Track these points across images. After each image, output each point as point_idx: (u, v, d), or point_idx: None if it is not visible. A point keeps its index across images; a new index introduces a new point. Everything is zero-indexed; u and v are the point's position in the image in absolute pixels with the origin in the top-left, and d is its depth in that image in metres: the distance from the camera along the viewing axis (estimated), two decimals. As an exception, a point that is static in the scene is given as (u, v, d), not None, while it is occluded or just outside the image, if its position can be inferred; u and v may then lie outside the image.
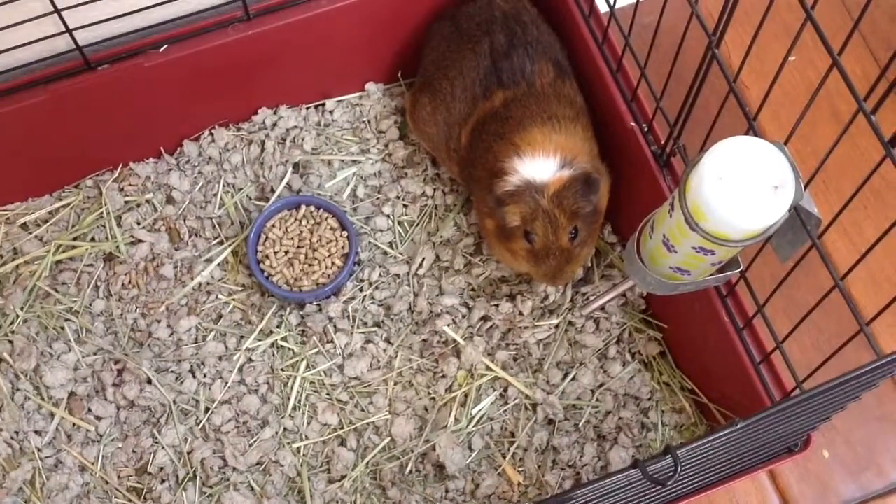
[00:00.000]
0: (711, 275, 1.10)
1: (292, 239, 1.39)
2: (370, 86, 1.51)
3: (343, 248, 1.38)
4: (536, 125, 1.24)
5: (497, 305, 1.36)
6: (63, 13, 1.20)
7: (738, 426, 0.64)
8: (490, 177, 1.23)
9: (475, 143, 1.30)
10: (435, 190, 1.45)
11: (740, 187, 0.91)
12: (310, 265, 1.37)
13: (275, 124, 1.48)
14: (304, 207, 1.41)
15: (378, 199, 1.45)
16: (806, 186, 0.95)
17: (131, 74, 1.33)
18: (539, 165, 1.20)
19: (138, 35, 1.33)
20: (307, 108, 1.50)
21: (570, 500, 0.63)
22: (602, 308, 1.36)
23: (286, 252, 1.38)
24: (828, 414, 0.98)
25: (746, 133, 1.02)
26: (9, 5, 1.17)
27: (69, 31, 1.23)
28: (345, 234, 1.39)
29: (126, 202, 1.45)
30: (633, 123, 1.29)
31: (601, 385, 1.34)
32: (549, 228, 1.20)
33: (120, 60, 1.32)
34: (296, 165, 1.46)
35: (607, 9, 1.27)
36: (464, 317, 1.37)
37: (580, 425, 1.31)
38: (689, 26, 1.08)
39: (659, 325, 1.37)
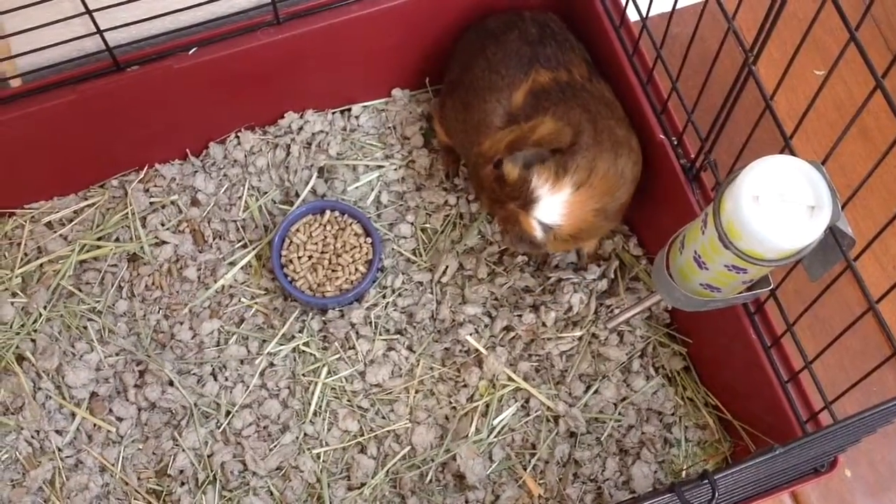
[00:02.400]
0: (741, 292, 1.09)
1: (316, 244, 1.38)
2: (396, 91, 1.51)
3: (367, 254, 1.38)
4: (598, 119, 1.23)
5: (520, 316, 1.36)
6: (94, 14, 1.20)
7: (778, 452, 0.64)
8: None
9: (533, 104, 1.27)
10: (458, 198, 1.45)
11: (777, 207, 0.90)
12: (333, 271, 1.37)
13: (301, 128, 1.48)
14: (328, 213, 1.40)
15: (401, 206, 1.45)
16: (843, 207, 0.94)
17: (160, 76, 1.33)
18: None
19: (168, 37, 1.33)
20: (333, 113, 1.50)
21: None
22: (627, 322, 1.35)
23: (310, 257, 1.38)
24: (858, 437, 0.97)
25: (781, 151, 1.01)
26: (40, 5, 1.17)
27: (100, 31, 1.23)
28: (369, 240, 1.39)
29: (151, 203, 1.45)
30: (662, 136, 1.28)
31: (624, 399, 1.33)
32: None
33: (149, 62, 1.32)
34: (321, 170, 1.46)
35: (637, 18, 1.27)
36: (486, 326, 1.36)
37: (602, 439, 1.30)
38: (724, 41, 1.08)
39: (683, 339, 1.36)
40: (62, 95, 1.30)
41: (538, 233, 1.18)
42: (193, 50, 1.33)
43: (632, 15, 1.33)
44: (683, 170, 1.27)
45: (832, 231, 0.95)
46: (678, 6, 1.18)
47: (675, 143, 1.28)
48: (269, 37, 1.34)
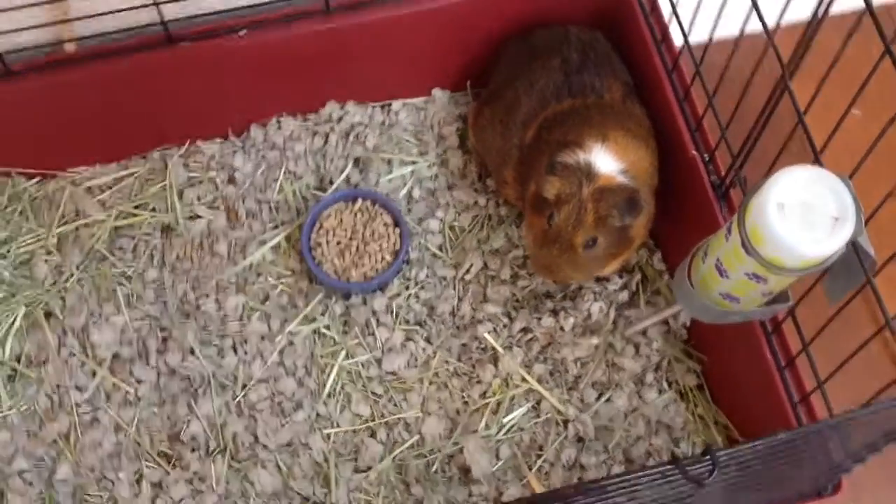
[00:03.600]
0: (760, 306, 1.10)
1: (346, 230, 1.41)
2: (437, 91, 1.54)
3: (394, 244, 1.40)
4: (618, 130, 1.26)
5: (539, 319, 1.37)
6: (153, -15, 1.25)
7: (780, 437, 0.65)
8: (554, 153, 1.24)
9: (543, 135, 1.30)
10: (488, 200, 1.47)
11: (801, 214, 0.92)
12: (360, 257, 1.39)
13: (341, 118, 1.51)
14: (360, 201, 1.43)
15: (432, 202, 1.47)
16: (866, 224, 0.95)
17: (209, 55, 1.37)
18: (605, 159, 1.22)
19: (221, 16, 1.37)
20: (373, 107, 1.53)
21: (599, 490, 0.64)
22: (644, 332, 1.36)
23: (338, 242, 1.40)
24: (863, 455, 0.98)
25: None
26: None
27: (157, 3, 1.28)
28: (397, 230, 1.41)
29: (189, 178, 1.48)
30: (694, 152, 1.30)
31: (635, 409, 1.34)
32: (572, 219, 1.21)
33: (201, 39, 1.36)
34: (356, 161, 1.48)
35: (681, 42, 1.29)
36: (505, 326, 1.38)
37: (610, 447, 1.31)
38: (763, 58, 1.10)
39: (699, 357, 1.37)
40: (114, 64, 1.35)
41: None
42: (243, 32, 1.37)
43: (675, 38, 1.35)
44: (713, 186, 1.28)
45: (854, 247, 0.96)
46: (716, 36, 1.20)
47: (707, 159, 1.30)
48: (319, 25, 1.38)
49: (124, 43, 1.35)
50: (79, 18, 1.30)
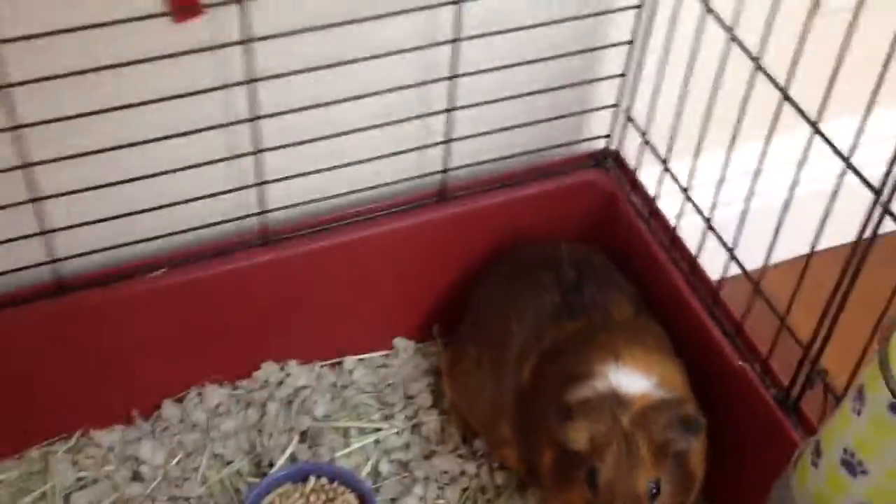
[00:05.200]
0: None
1: (297, 520, 1.04)
2: (400, 342, 1.25)
3: (364, 534, 1.03)
4: (633, 345, 0.99)
5: None
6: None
7: None
8: (560, 393, 0.95)
9: (543, 373, 1.02)
10: (479, 467, 1.14)
11: None
12: (319, 556, 1.01)
13: (281, 382, 1.19)
14: (313, 479, 1.07)
15: (406, 477, 1.13)
16: None
17: (108, 307, 1.07)
18: (631, 377, 0.94)
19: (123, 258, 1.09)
20: (321, 366, 1.22)
21: None
22: None
23: (288, 537, 1.03)
24: None
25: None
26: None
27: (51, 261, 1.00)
28: (367, 515, 1.05)
29: (79, 479, 1.11)
30: (742, 362, 1.03)
31: None
32: (625, 460, 0.89)
33: (98, 285, 1.07)
34: (303, 434, 1.15)
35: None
36: None
37: None
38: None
39: None
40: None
41: None
42: (160, 272, 1.08)
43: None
44: (777, 402, 0.99)
45: None
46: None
47: (761, 369, 1.02)
48: (249, 260, 1.11)
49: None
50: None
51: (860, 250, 0.83)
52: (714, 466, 1.02)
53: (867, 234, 0.82)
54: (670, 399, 0.94)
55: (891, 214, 0.80)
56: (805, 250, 0.90)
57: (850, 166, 0.84)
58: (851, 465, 0.74)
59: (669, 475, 0.91)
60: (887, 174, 0.79)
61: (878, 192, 0.80)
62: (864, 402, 0.71)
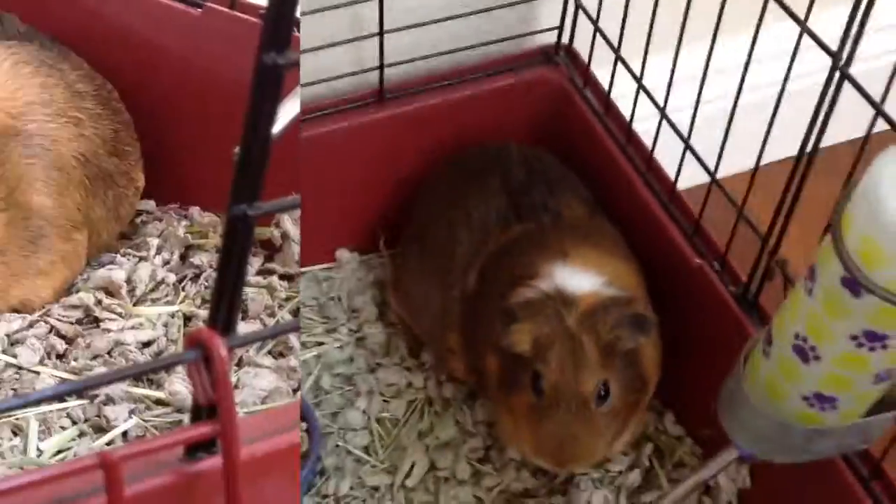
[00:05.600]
0: (870, 412, 0.71)
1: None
2: (342, 253, 1.18)
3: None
4: (583, 245, 0.94)
5: (522, 529, 0.94)
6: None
7: None
8: (504, 296, 0.90)
9: (489, 278, 0.96)
10: (426, 379, 1.08)
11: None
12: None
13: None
14: (247, 395, 1.01)
15: (349, 390, 1.07)
16: None
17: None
18: (578, 276, 0.88)
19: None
20: (261, 280, 1.16)
21: None
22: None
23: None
24: None
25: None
26: None
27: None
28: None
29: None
30: (699, 260, 0.97)
31: None
32: (570, 362, 0.84)
33: None
34: (241, 350, 1.09)
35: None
36: (474, 546, 0.94)
37: None
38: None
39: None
40: None
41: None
42: None
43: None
44: (736, 299, 0.93)
45: None
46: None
47: (720, 266, 0.96)
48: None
49: None
50: None
51: (819, 121, 0.76)
52: (672, 368, 0.97)
53: (826, 101, 0.75)
54: (619, 297, 0.88)
55: (849, 79, 0.73)
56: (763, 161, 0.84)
57: (806, 30, 0.77)
58: (803, 351, 0.69)
59: (618, 376, 0.86)
60: (844, 37, 0.72)
61: (835, 56, 0.73)
62: (816, 280, 0.66)
